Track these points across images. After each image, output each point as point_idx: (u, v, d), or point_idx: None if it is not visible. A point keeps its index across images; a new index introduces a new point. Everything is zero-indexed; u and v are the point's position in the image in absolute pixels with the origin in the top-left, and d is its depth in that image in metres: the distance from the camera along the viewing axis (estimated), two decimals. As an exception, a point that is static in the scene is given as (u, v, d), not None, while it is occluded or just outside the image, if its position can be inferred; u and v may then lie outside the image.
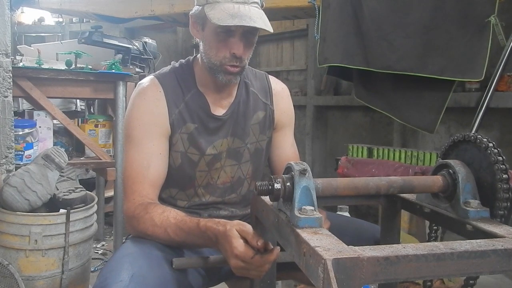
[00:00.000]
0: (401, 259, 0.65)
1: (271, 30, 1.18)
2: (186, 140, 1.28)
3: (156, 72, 1.34)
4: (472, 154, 0.92)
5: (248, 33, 1.20)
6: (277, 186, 0.83)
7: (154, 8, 3.14)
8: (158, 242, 1.13)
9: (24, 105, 2.91)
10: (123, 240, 1.31)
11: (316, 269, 0.64)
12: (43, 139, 2.34)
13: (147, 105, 1.25)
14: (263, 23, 1.16)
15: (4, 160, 2.07)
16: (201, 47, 1.27)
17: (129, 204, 1.19)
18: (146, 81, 1.30)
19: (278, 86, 1.44)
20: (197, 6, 1.22)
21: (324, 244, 0.68)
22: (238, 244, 0.93)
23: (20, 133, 2.19)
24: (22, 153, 2.21)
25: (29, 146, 2.24)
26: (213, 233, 1.00)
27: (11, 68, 2.07)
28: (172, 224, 1.10)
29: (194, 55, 1.36)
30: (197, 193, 1.32)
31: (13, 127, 2.09)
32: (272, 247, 0.94)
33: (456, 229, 0.88)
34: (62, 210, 1.94)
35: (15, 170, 2.02)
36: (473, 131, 2.31)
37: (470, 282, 0.99)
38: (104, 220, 3.25)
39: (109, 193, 3.24)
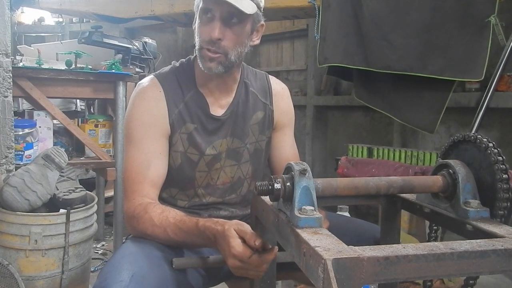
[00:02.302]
0: (401, 259, 0.65)
1: (245, 10, 1.16)
2: (185, 140, 1.28)
3: (156, 72, 1.34)
4: (472, 154, 0.92)
5: (227, 18, 1.18)
6: (277, 186, 0.83)
7: (154, 8, 3.14)
8: (158, 242, 1.13)
9: (24, 105, 2.91)
10: (123, 240, 1.31)
11: (316, 269, 0.64)
12: (43, 139, 2.34)
13: (147, 105, 1.25)
14: (239, 2, 1.15)
15: (4, 160, 2.07)
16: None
17: (129, 204, 1.19)
18: (146, 81, 1.30)
19: (278, 86, 1.43)
20: (196, 0, 1.24)
21: (324, 244, 0.68)
22: (236, 244, 0.93)
23: (20, 133, 2.19)
24: (22, 153, 2.21)
25: (29, 146, 2.24)
26: (212, 232, 1.00)
27: (11, 68, 2.07)
28: (171, 224, 1.10)
29: (195, 54, 1.36)
30: (197, 193, 1.32)
31: (13, 127, 2.09)
32: (270, 246, 0.94)
33: (456, 229, 0.88)
34: (62, 210, 1.94)
35: (15, 170, 2.02)
36: (473, 131, 2.31)
37: (470, 282, 0.99)
38: (104, 220, 3.25)
39: (109, 193, 3.24)
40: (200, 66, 1.24)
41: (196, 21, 1.25)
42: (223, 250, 0.97)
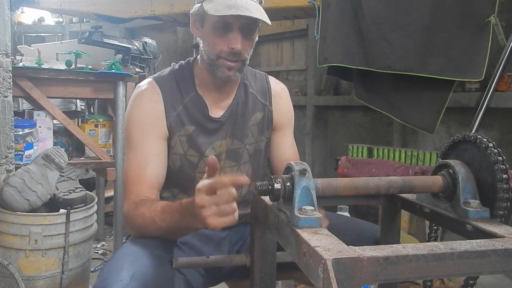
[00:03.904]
0: (401, 259, 0.65)
1: (269, 22, 1.18)
2: (185, 142, 1.28)
3: (155, 74, 1.34)
4: (472, 154, 0.92)
5: (247, 28, 1.19)
6: (277, 186, 0.83)
7: (154, 8, 3.14)
8: (153, 238, 1.12)
9: (24, 105, 2.91)
10: (123, 240, 1.32)
11: (316, 269, 0.64)
12: (43, 139, 2.34)
13: (144, 108, 1.26)
14: (260, 15, 1.16)
15: (4, 160, 2.07)
16: (201, 45, 1.27)
17: (125, 204, 1.20)
18: (144, 83, 1.31)
19: (277, 87, 1.43)
20: (197, 4, 1.23)
21: (324, 244, 0.68)
22: (197, 197, 0.91)
23: (20, 133, 2.19)
24: (22, 153, 2.21)
25: (29, 146, 2.24)
26: (190, 203, 0.96)
27: (11, 68, 2.07)
28: (158, 212, 1.09)
29: (194, 56, 1.36)
30: (198, 194, 1.32)
31: (13, 127, 2.09)
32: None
33: (456, 229, 0.88)
34: (62, 210, 1.94)
35: (15, 170, 2.02)
36: (473, 131, 2.31)
37: (470, 282, 0.99)
38: (104, 220, 3.25)
39: (109, 193, 3.24)
40: (217, 74, 1.23)
41: (205, 31, 1.23)
42: (198, 215, 0.92)
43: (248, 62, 1.27)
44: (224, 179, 0.89)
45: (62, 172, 2.03)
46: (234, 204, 0.91)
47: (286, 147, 1.44)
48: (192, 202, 0.94)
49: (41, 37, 5.59)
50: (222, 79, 1.24)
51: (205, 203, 0.90)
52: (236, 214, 0.92)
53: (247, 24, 1.19)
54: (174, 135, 1.27)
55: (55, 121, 2.43)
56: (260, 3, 1.23)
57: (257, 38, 1.29)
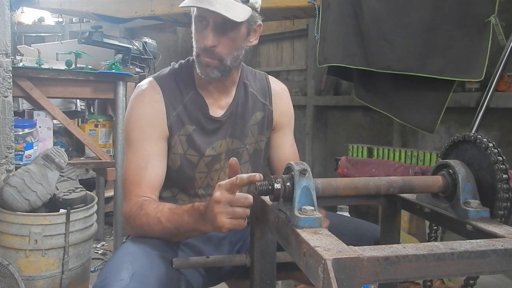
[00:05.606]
0: (401, 259, 0.65)
1: (237, 20, 1.15)
2: (184, 142, 1.28)
3: (155, 74, 1.34)
4: (472, 154, 0.92)
5: (223, 25, 1.17)
6: (277, 186, 0.83)
7: (154, 8, 3.14)
8: (155, 237, 1.12)
9: (24, 105, 2.91)
10: (123, 240, 1.31)
11: (316, 269, 0.64)
12: (43, 139, 2.34)
13: (144, 108, 1.25)
14: (224, 9, 1.13)
15: (4, 160, 2.07)
16: None
17: (126, 205, 1.20)
18: (144, 83, 1.31)
19: (277, 87, 1.43)
20: None
21: (324, 244, 0.68)
22: (216, 192, 0.94)
23: (20, 133, 2.19)
24: (22, 153, 2.21)
25: (29, 146, 2.24)
26: (204, 205, 1.00)
27: (11, 68, 2.07)
28: (165, 212, 1.09)
29: (194, 56, 1.36)
30: (198, 194, 1.32)
31: (13, 127, 2.10)
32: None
33: (456, 229, 0.88)
34: (62, 210, 1.94)
35: (15, 170, 2.02)
36: (473, 131, 2.31)
37: (470, 282, 0.99)
38: (104, 220, 3.25)
39: (109, 193, 3.25)
40: (198, 71, 1.24)
41: (193, 27, 1.24)
42: (210, 210, 0.96)
43: (229, 62, 1.23)
44: (242, 175, 0.91)
45: (62, 172, 2.03)
46: (248, 210, 0.94)
47: (286, 147, 1.44)
48: (206, 204, 0.98)
49: (41, 37, 5.59)
50: (202, 77, 1.24)
51: (221, 199, 0.93)
52: (246, 221, 0.95)
53: (222, 21, 1.16)
54: (174, 134, 1.27)
55: (55, 121, 2.43)
56: (247, 2, 1.20)
57: (255, 42, 1.28)
